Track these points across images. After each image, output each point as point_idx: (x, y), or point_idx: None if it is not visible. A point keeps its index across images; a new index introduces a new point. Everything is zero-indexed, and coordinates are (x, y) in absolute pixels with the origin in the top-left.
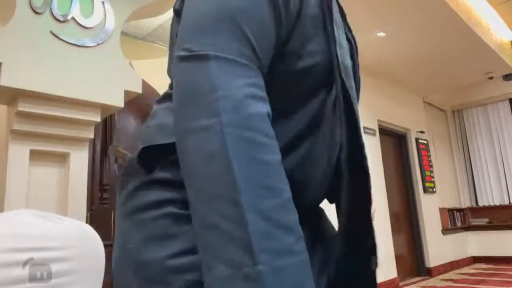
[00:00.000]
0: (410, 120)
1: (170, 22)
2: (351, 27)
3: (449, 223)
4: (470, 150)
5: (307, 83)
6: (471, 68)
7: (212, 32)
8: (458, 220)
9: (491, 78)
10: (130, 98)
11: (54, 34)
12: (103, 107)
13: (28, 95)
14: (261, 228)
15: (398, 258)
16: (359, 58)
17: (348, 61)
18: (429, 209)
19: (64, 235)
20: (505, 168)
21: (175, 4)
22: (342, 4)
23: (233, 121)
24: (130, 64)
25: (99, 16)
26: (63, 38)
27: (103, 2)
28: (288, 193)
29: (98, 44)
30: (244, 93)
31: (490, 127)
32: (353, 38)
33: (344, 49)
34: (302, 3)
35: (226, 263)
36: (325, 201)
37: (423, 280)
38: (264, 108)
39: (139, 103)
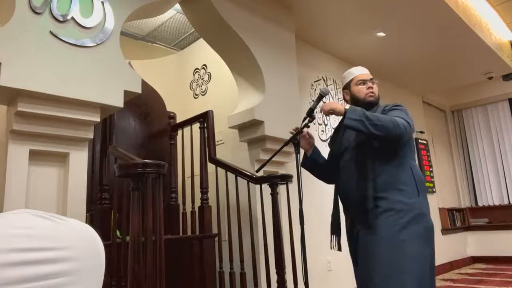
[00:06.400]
0: None
1: (169, 22)
2: (352, 27)
3: (449, 223)
4: (469, 150)
5: None
6: (471, 68)
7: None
8: (457, 220)
9: (490, 78)
10: (130, 98)
11: (53, 34)
12: (102, 107)
13: (28, 95)
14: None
15: None
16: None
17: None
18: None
19: (64, 235)
20: (504, 168)
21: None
22: (343, 5)
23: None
24: (130, 64)
25: (99, 16)
26: (62, 38)
27: (102, 2)
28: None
29: (98, 44)
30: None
31: (489, 127)
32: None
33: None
34: None
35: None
36: None
37: None
38: None
39: (139, 103)
